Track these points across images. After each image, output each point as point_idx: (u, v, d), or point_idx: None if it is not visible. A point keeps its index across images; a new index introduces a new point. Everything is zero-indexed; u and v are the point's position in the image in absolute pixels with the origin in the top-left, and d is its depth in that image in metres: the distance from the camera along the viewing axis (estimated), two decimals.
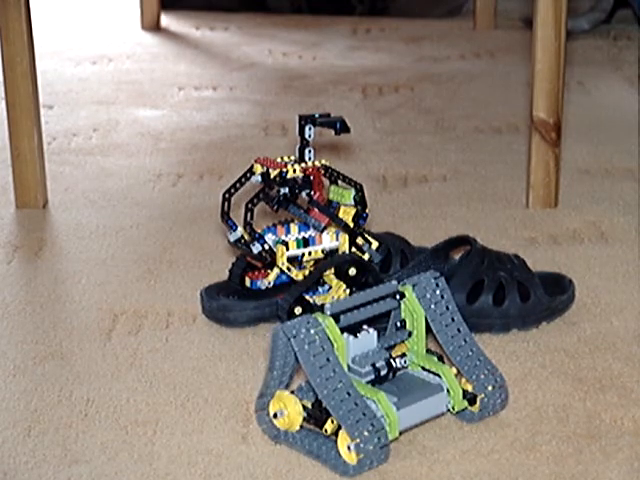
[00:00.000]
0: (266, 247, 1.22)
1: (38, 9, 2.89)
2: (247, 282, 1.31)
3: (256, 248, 1.22)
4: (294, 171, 1.23)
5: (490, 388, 1.12)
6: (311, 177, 1.24)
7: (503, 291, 1.31)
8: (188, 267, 1.48)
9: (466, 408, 1.12)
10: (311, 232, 1.26)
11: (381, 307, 1.10)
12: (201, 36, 2.72)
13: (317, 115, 1.24)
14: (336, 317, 1.07)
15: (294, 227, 1.26)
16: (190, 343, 1.28)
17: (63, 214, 1.67)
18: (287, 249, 1.23)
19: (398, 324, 1.13)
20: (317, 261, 1.27)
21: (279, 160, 1.24)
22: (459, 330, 1.13)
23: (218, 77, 2.37)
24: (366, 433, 1.03)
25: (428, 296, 1.12)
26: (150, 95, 2.25)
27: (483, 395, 1.12)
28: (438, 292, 1.13)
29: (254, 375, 1.22)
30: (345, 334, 1.08)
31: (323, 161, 1.24)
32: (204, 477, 1.05)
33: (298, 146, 1.24)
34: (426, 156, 1.89)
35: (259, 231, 1.25)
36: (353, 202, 1.25)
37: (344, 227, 1.25)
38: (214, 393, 1.18)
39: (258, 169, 1.24)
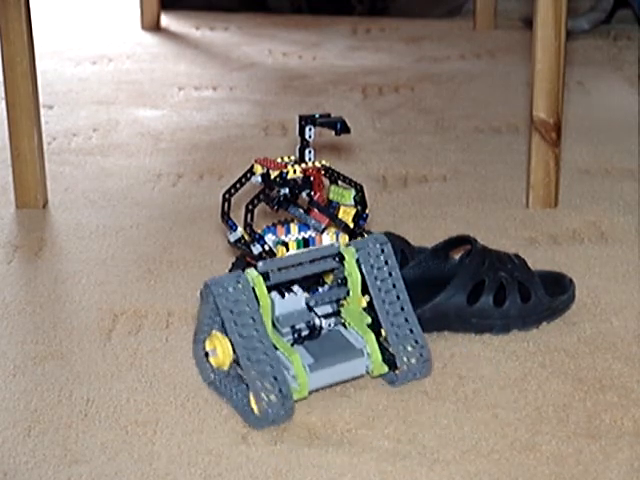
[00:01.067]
0: (266, 248, 1.22)
1: (38, 9, 2.89)
2: None
3: (256, 249, 1.22)
4: (294, 172, 1.22)
5: (413, 360, 1.17)
6: (311, 178, 1.24)
7: (504, 291, 1.31)
8: (188, 267, 1.48)
9: (388, 372, 1.17)
10: (311, 232, 1.26)
11: (317, 267, 1.15)
12: (201, 36, 2.72)
13: (317, 115, 1.24)
14: (266, 275, 1.12)
15: (294, 227, 1.26)
16: (190, 343, 1.28)
17: (63, 214, 1.67)
18: (287, 250, 1.23)
19: (339, 282, 1.18)
20: None
21: (279, 160, 1.24)
22: (398, 297, 1.17)
23: (218, 77, 2.37)
24: (267, 385, 1.09)
25: (371, 261, 1.17)
26: (150, 95, 2.25)
27: (405, 367, 1.17)
28: (382, 258, 1.17)
29: None
30: (273, 293, 1.13)
31: (323, 162, 1.24)
32: (204, 477, 1.05)
33: (298, 146, 1.24)
34: (426, 156, 1.89)
35: (259, 231, 1.25)
36: (353, 202, 1.25)
37: (344, 228, 1.25)
38: (214, 393, 1.18)
39: (258, 169, 1.24)
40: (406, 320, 1.17)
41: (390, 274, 1.17)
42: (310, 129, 1.23)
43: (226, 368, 1.15)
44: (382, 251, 1.17)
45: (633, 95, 2.19)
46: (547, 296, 1.32)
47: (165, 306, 1.38)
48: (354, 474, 1.05)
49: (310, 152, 1.24)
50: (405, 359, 1.17)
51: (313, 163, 1.24)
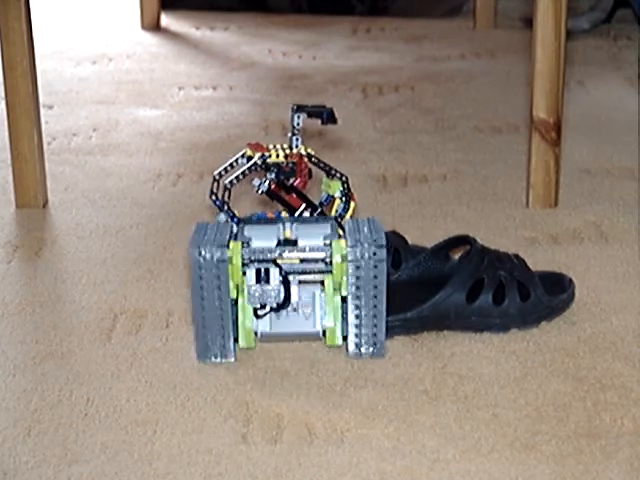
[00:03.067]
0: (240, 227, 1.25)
1: (38, 9, 2.89)
2: None
3: (221, 218, 1.25)
4: (277, 156, 1.24)
5: (363, 350, 1.23)
6: (290, 164, 1.25)
7: (503, 290, 1.31)
8: (188, 267, 1.48)
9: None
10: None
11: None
12: (201, 36, 2.72)
13: (311, 105, 1.26)
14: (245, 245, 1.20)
15: (285, 215, 1.26)
16: (190, 343, 1.28)
17: (63, 214, 1.67)
18: None
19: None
20: None
21: (271, 146, 1.26)
22: (375, 296, 1.21)
23: (218, 77, 2.37)
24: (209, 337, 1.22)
25: (359, 260, 1.20)
26: (150, 95, 2.25)
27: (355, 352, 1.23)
28: (372, 261, 1.20)
29: (254, 375, 1.22)
30: (248, 272, 1.20)
31: (309, 150, 1.25)
32: (204, 477, 1.05)
33: (289, 135, 1.26)
34: (426, 156, 1.89)
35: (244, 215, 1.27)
36: (340, 194, 1.26)
37: (320, 215, 1.26)
38: (214, 393, 1.18)
39: (249, 153, 1.26)
40: (375, 317, 1.22)
41: (375, 276, 1.20)
42: (299, 116, 1.25)
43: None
44: (374, 254, 1.20)
45: (633, 95, 2.19)
46: (546, 295, 1.32)
47: (165, 306, 1.38)
48: (354, 474, 1.05)
49: (297, 139, 1.25)
50: (359, 348, 1.24)
51: (298, 150, 1.25)
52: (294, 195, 1.25)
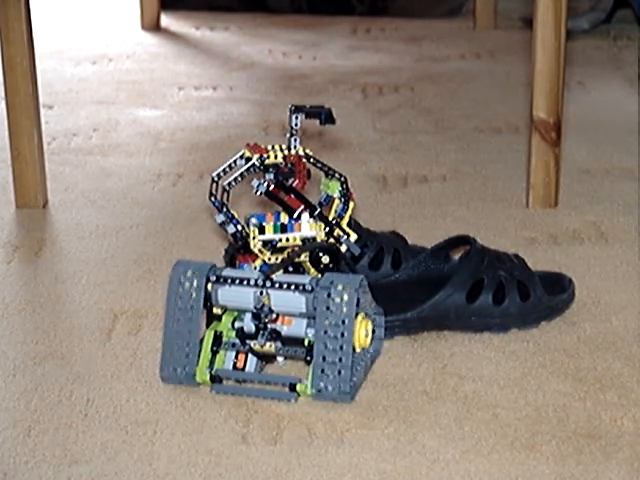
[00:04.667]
0: (239, 228, 1.24)
1: (38, 9, 2.89)
2: (237, 265, 1.31)
3: (230, 228, 1.24)
4: (275, 157, 1.24)
5: (321, 389, 1.15)
6: (289, 164, 1.25)
7: (503, 290, 1.31)
8: None
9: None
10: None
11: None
12: (201, 36, 2.72)
13: (309, 106, 1.26)
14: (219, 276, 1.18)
15: (284, 216, 1.26)
16: None
17: (63, 214, 1.67)
18: (263, 233, 1.23)
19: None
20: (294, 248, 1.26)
21: (269, 147, 1.26)
22: (342, 335, 1.14)
23: (218, 77, 2.37)
24: (173, 359, 1.19)
25: (331, 291, 1.15)
26: (150, 95, 2.25)
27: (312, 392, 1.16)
28: (346, 292, 1.15)
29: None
30: (227, 355, 1.20)
31: (307, 150, 1.25)
32: (204, 477, 1.05)
33: (287, 135, 1.26)
34: (426, 156, 1.89)
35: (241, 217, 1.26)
36: (338, 194, 1.26)
37: (319, 216, 1.25)
38: (214, 393, 1.18)
39: (247, 154, 1.26)
40: (340, 359, 1.15)
41: (345, 310, 1.15)
42: (297, 117, 1.24)
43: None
44: (343, 288, 1.15)
45: (633, 95, 2.19)
46: (546, 295, 1.32)
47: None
48: (354, 474, 1.05)
49: (295, 140, 1.25)
50: (320, 387, 1.16)
51: (296, 151, 1.25)
52: (292, 196, 1.25)
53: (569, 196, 1.69)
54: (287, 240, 1.23)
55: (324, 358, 1.15)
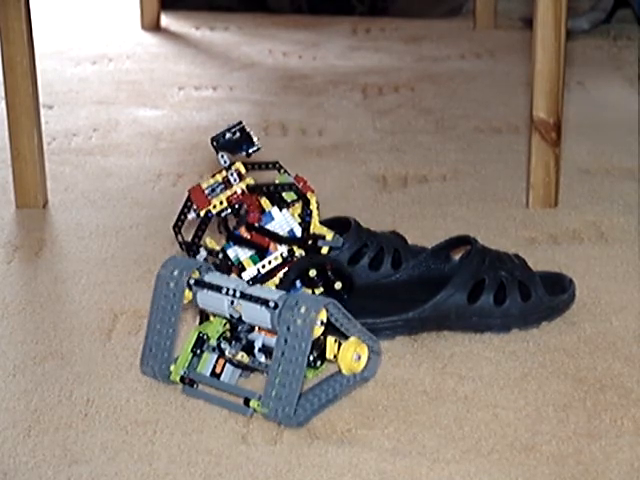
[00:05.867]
0: (219, 262, 1.23)
1: (38, 9, 2.89)
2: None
3: (200, 256, 1.24)
4: (220, 203, 1.22)
5: (269, 408, 1.12)
6: (236, 205, 1.23)
7: (504, 290, 1.31)
8: None
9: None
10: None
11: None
12: (201, 36, 2.72)
13: (227, 131, 1.22)
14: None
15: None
16: None
17: (63, 214, 1.67)
18: (244, 269, 1.22)
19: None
20: (279, 266, 1.24)
21: (209, 190, 1.23)
22: (296, 359, 1.11)
23: (218, 77, 2.37)
24: (153, 353, 1.20)
25: (294, 314, 1.11)
26: (150, 95, 2.25)
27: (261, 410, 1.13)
28: (308, 318, 1.11)
29: (253, 374, 1.22)
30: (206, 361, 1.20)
31: (249, 181, 1.23)
32: (204, 477, 1.05)
33: (223, 174, 1.23)
34: (426, 156, 1.89)
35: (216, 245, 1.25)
36: (295, 197, 1.24)
37: (287, 240, 1.22)
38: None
39: (194, 206, 1.24)
40: (288, 384, 1.11)
41: (303, 336, 1.10)
42: (222, 156, 1.23)
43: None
44: (307, 310, 1.10)
45: (633, 95, 2.19)
46: (547, 295, 1.32)
47: None
48: (354, 474, 1.05)
49: (232, 175, 1.23)
50: (269, 407, 1.13)
51: (238, 187, 1.22)
52: (254, 233, 1.23)
53: (569, 196, 1.69)
54: (270, 263, 1.22)
55: (275, 379, 1.12)
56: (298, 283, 1.22)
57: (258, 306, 1.13)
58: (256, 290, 1.16)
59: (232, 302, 1.16)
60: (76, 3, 3.08)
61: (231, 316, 1.17)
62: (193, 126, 2.06)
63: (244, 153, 1.22)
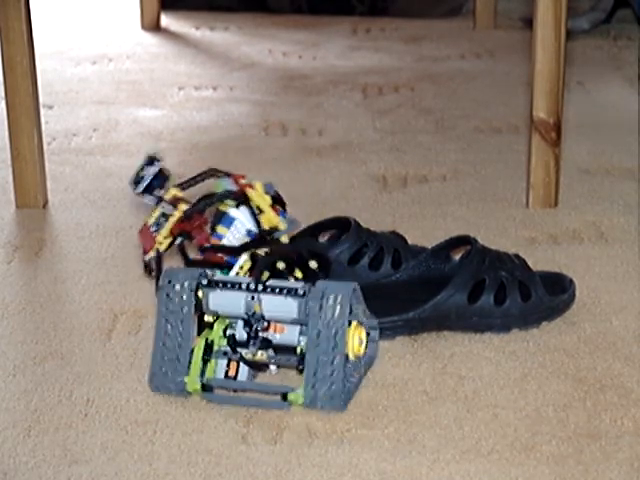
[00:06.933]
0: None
1: (38, 9, 2.89)
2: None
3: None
4: (164, 238, 1.22)
5: (313, 400, 1.14)
6: (179, 237, 1.23)
7: (504, 290, 1.31)
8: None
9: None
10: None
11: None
12: (201, 36, 2.72)
13: (140, 171, 1.23)
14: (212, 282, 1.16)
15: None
16: None
17: (63, 214, 1.67)
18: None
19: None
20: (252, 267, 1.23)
21: (152, 225, 1.22)
22: (334, 348, 1.13)
23: (218, 77, 2.37)
24: (164, 368, 1.16)
25: (323, 303, 1.13)
26: (150, 95, 2.25)
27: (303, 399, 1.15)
28: (337, 306, 1.13)
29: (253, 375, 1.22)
30: (218, 363, 1.18)
31: (182, 206, 1.22)
32: (204, 477, 1.05)
33: (158, 210, 1.23)
34: (426, 156, 1.89)
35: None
36: (225, 192, 1.23)
37: (241, 249, 1.21)
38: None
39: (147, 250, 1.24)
40: (331, 373, 1.14)
41: (336, 323, 1.13)
42: (147, 197, 1.22)
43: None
44: (336, 299, 1.13)
45: (633, 95, 2.19)
46: (547, 295, 1.32)
47: None
48: (354, 474, 1.05)
49: (163, 208, 1.23)
50: (314, 395, 1.15)
51: (174, 217, 1.22)
52: (208, 253, 1.23)
53: (569, 196, 1.69)
54: (241, 268, 1.22)
55: (316, 370, 1.13)
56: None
57: (282, 297, 1.14)
58: (274, 283, 1.15)
59: (252, 297, 1.15)
60: (76, 3, 3.08)
61: (246, 313, 1.16)
62: (193, 126, 2.06)
63: (162, 191, 1.23)
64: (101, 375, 1.23)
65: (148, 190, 1.22)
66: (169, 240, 1.22)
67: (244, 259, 1.21)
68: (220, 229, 1.24)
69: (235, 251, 1.21)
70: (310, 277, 1.21)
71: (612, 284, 1.42)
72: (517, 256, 1.36)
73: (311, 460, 1.07)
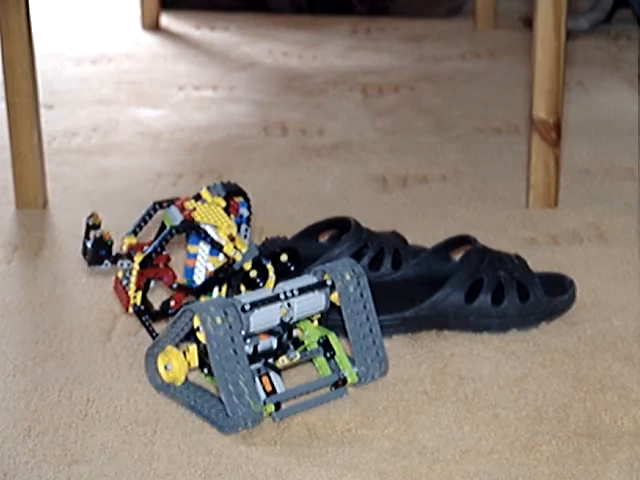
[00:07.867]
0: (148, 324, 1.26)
1: (38, 9, 2.89)
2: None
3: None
4: (136, 290, 1.23)
5: (364, 374, 1.19)
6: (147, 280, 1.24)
7: (502, 290, 1.31)
8: None
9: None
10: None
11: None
12: (201, 36, 2.72)
13: (86, 242, 1.22)
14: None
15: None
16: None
17: (63, 214, 1.67)
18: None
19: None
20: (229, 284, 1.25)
21: (121, 274, 1.24)
22: (368, 318, 1.19)
23: (218, 77, 2.37)
24: (235, 399, 1.10)
25: (344, 282, 1.18)
26: (150, 95, 2.25)
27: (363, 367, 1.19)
28: (355, 279, 1.19)
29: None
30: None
31: (137, 258, 1.22)
32: (204, 477, 1.05)
33: (120, 265, 1.24)
34: (426, 156, 1.89)
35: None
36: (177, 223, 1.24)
37: (207, 286, 1.23)
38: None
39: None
40: (373, 342, 1.20)
41: (361, 295, 1.19)
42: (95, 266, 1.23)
43: (179, 384, 1.16)
44: (353, 271, 1.19)
45: (633, 95, 2.19)
46: (546, 296, 1.32)
47: None
48: (354, 474, 1.05)
49: (122, 265, 1.23)
50: (366, 373, 1.19)
51: (135, 269, 1.23)
52: (178, 293, 1.24)
53: (569, 196, 1.69)
54: (220, 291, 1.24)
55: (361, 345, 1.19)
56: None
57: (312, 293, 1.16)
58: (292, 284, 1.17)
59: (289, 304, 1.15)
60: (76, 3, 3.08)
61: (282, 321, 1.16)
62: (193, 126, 2.06)
63: (108, 263, 1.23)
64: (101, 375, 1.23)
65: (97, 261, 1.22)
66: (140, 293, 1.24)
67: (216, 291, 1.24)
68: (191, 248, 1.26)
69: (202, 289, 1.23)
70: (281, 270, 1.24)
71: (612, 284, 1.42)
72: (517, 257, 1.36)
73: (311, 460, 1.07)
